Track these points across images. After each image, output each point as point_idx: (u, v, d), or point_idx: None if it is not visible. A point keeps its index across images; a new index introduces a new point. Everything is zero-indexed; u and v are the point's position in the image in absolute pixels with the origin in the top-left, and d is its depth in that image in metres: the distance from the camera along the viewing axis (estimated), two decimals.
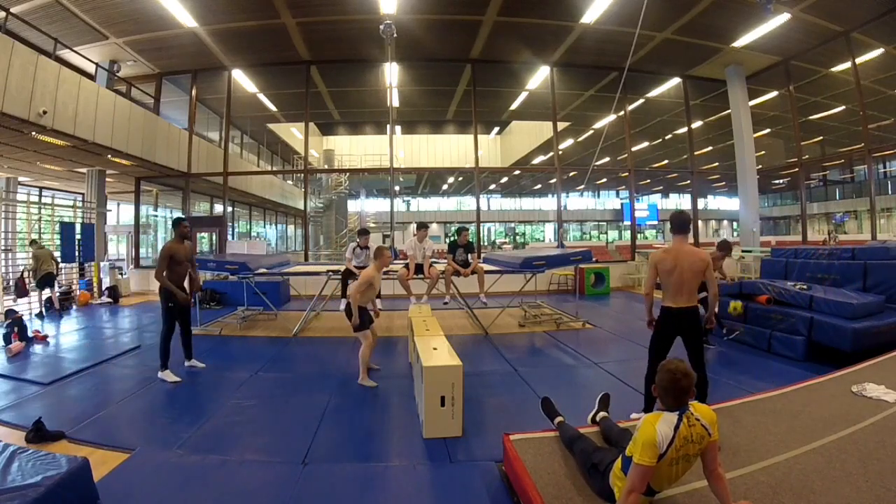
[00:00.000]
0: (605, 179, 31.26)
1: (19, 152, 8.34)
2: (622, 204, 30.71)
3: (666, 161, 21.09)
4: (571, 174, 22.99)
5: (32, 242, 8.34)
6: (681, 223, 3.13)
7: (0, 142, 7.53)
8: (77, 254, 9.33)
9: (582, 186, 31.78)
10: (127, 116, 8.74)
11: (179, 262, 4.45)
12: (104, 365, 4.73)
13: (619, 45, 9.25)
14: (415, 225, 6.64)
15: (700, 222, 17.22)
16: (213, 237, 13.50)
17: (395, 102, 12.45)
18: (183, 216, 4.45)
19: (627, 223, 17.26)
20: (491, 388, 4.08)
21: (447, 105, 14.94)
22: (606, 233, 36.94)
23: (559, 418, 2.68)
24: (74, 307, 8.67)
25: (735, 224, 32.35)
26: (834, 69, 10.87)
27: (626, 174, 12.92)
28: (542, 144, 18.19)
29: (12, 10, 7.18)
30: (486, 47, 10.22)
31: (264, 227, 22.64)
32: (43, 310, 7.97)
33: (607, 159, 19.96)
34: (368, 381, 4.16)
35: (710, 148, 18.11)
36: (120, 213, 15.42)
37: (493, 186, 32.64)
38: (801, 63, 10.81)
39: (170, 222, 17.24)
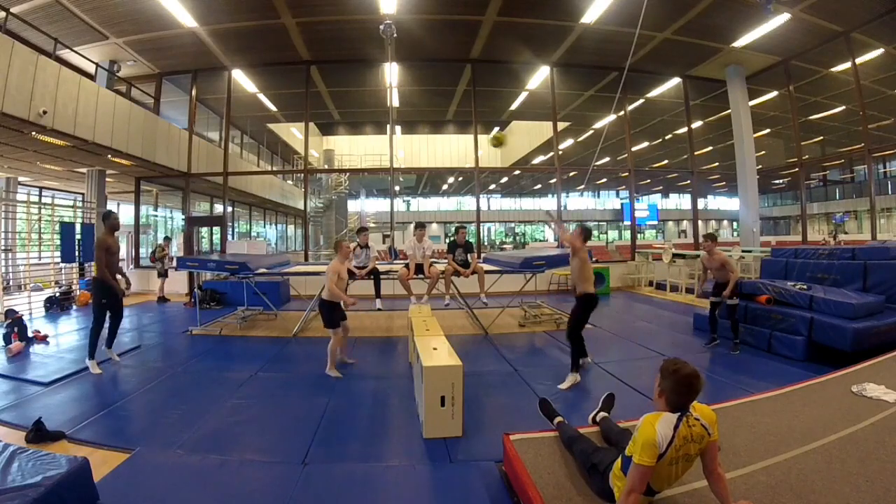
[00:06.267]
0: (605, 179, 31.27)
1: (19, 152, 8.34)
2: (622, 204, 30.71)
3: (666, 161, 21.09)
4: (571, 174, 23.01)
5: (166, 239, 10.55)
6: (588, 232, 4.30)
7: (0, 142, 7.53)
8: (77, 254, 9.33)
9: (582, 186, 31.78)
10: (127, 116, 8.74)
11: (113, 253, 4.62)
12: (104, 365, 4.71)
13: (619, 45, 9.25)
14: (413, 225, 6.63)
15: (700, 222, 17.20)
16: (213, 236, 13.51)
17: (395, 102, 12.45)
18: (112, 210, 5.04)
19: (627, 223, 17.26)
20: (491, 388, 4.07)
21: (447, 105, 14.94)
22: (606, 233, 36.92)
23: (559, 418, 2.68)
24: (74, 307, 8.67)
25: (735, 224, 32.37)
26: (834, 69, 10.87)
27: (626, 174, 12.91)
28: (542, 144, 18.17)
29: (12, 10, 7.18)
30: (486, 47, 10.22)
31: (264, 227, 22.64)
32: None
33: (607, 159, 19.96)
34: (335, 371, 4.41)
35: (710, 148, 18.10)
36: (120, 213, 15.37)
37: (493, 186, 32.65)
38: (801, 63, 10.80)
39: (170, 222, 17.27)
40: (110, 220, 4.68)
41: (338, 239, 4.79)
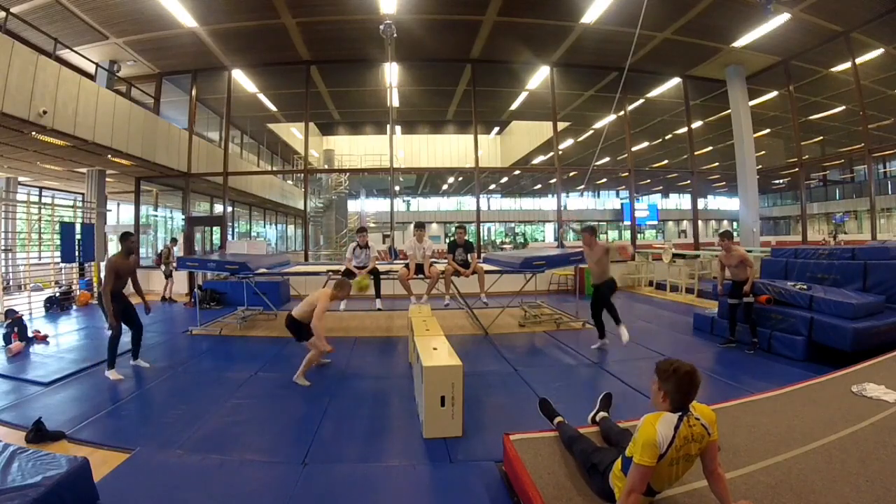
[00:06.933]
0: (605, 179, 31.23)
1: (19, 152, 8.34)
2: (622, 204, 30.69)
3: (666, 161, 21.07)
4: (571, 174, 23.02)
5: (173, 241, 10.47)
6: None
7: (0, 142, 7.53)
8: (77, 254, 9.33)
9: (582, 186, 31.68)
10: (127, 116, 8.74)
11: (120, 276, 4.57)
12: (104, 365, 4.71)
13: (619, 45, 9.24)
14: (413, 225, 6.62)
15: (700, 222, 17.22)
16: (213, 236, 13.49)
17: (395, 102, 12.45)
18: (131, 231, 4.90)
19: (627, 223, 17.26)
20: (491, 388, 4.07)
21: (447, 105, 14.95)
22: (606, 233, 36.89)
23: (559, 418, 2.68)
24: (74, 307, 8.67)
25: (735, 224, 32.35)
26: (834, 69, 10.88)
27: (626, 174, 12.91)
28: (542, 144, 18.18)
29: (12, 10, 7.18)
30: (486, 47, 10.22)
31: (264, 227, 22.63)
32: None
33: (607, 159, 19.95)
34: (303, 379, 4.21)
35: (710, 148, 18.10)
36: (120, 213, 15.41)
37: (493, 186, 32.64)
38: (801, 63, 10.81)
39: (170, 222, 17.27)
40: (126, 244, 4.60)
41: (339, 279, 4.65)
